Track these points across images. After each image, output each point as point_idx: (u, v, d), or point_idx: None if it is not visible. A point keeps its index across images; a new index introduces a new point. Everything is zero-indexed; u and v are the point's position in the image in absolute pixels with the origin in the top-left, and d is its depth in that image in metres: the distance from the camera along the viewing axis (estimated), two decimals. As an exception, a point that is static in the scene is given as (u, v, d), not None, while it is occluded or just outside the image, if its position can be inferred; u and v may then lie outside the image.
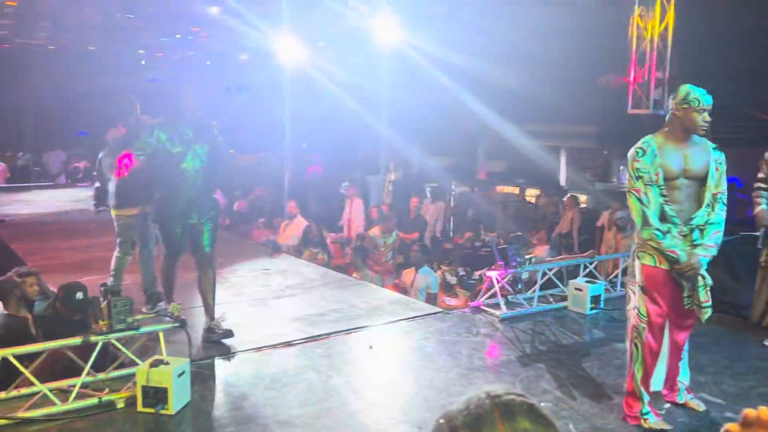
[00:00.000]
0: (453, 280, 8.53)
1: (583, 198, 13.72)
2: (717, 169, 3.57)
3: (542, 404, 3.81)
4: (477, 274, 8.91)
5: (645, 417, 3.60)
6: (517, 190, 15.70)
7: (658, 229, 3.49)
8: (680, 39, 8.40)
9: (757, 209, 5.04)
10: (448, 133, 18.67)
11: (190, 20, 15.41)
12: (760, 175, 5.02)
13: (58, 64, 17.91)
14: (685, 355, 3.85)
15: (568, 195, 12.39)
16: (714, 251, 3.54)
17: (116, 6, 13.41)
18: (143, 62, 20.33)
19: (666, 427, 3.57)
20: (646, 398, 3.64)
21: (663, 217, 3.53)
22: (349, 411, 3.78)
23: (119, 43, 16.74)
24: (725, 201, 3.60)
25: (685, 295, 3.57)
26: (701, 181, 3.57)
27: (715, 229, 3.54)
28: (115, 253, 5.55)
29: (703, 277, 3.49)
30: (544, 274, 5.92)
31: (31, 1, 12.91)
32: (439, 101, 18.51)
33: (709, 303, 3.48)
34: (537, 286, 5.80)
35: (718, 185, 3.57)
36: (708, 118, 3.55)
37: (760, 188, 5.04)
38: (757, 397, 4.01)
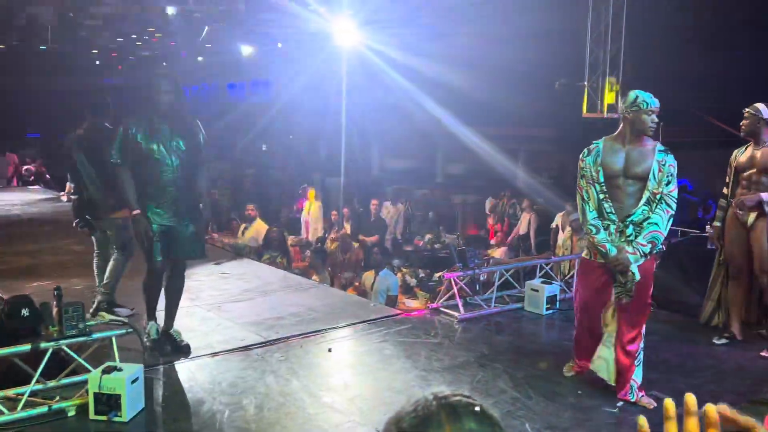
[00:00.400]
0: (413, 281, 8.58)
1: (539, 200, 13.97)
2: (660, 170, 3.71)
3: (498, 404, 3.86)
4: (437, 275, 8.98)
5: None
6: (475, 193, 15.83)
7: (593, 224, 3.79)
8: (633, 44, 8.62)
9: (712, 226, 5.17)
10: (407, 136, 18.77)
11: (145, 21, 15.15)
12: (727, 180, 5.05)
13: (6, 64, 17.43)
14: (639, 354, 3.95)
15: (525, 198, 12.59)
16: (646, 249, 3.71)
17: (69, 5, 13.10)
18: (97, 63, 19.93)
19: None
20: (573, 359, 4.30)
21: (601, 213, 3.80)
22: (306, 415, 3.76)
23: (71, 44, 16.35)
24: (670, 202, 3.73)
25: (616, 286, 3.82)
26: (644, 180, 3.74)
27: (651, 229, 3.71)
28: (114, 257, 5.32)
29: (633, 273, 3.70)
30: (502, 275, 5.99)
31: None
32: (398, 104, 18.59)
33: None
34: (494, 287, 5.87)
35: (659, 185, 3.71)
36: (656, 120, 3.75)
37: (721, 200, 5.16)
38: (708, 395, 4.12)
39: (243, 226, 10.54)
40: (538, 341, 5.16)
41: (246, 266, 7.85)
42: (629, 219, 3.74)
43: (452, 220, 14.88)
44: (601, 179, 3.77)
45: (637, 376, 3.97)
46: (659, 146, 3.81)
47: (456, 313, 5.51)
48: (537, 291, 5.72)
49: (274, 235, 9.05)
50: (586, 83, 8.37)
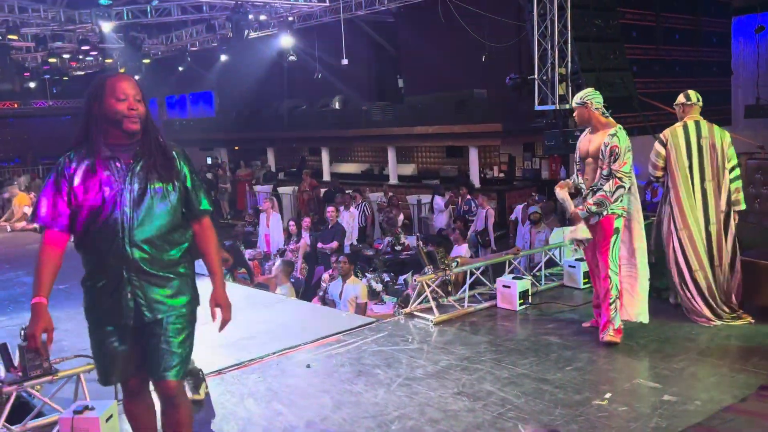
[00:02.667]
0: (379, 287, 8.47)
1: (493, 194, 14.08)
2: (607, 151, 4.59)
3: (489, 408, 3.80)
4: (402, 278, 8.91)
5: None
6: (429, 192, 15.85)
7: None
8: (578, 36, 8.74)
9: None
10: (359, 140, 18.70)
11: (80, 40, 14.65)
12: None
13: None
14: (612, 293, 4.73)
15: (480, 193, 12.65)
16: (593, 208, 4.64)
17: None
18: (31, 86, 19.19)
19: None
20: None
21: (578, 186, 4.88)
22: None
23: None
24: (619, 176, 4.56)
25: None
26: (597, 159, 4.67)
27: (599, 194, 4.64)
28: None
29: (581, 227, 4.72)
30: (472, 273, 5.95)
31: None
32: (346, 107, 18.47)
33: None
34: (466, 287, 5.82)
35: (608, 163, 4.59)
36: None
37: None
38: (690, 377, 4.16)
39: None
40: (516, 338, 5.13)
41: (207, 284, 7.61)
42: (591, 188, 4.74)
43: (409, 220, 14.85)
44: (578, 159, 4.93)
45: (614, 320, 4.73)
46: (611, 131, 4.62)
47: (430, 317, 5.44)
48: (509, 287, 5.70)
49: (229, 249, 8.79)
50: (536, 77, 8.43)
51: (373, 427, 3.66)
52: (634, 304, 4.87)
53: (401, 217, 13.27)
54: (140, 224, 2.68)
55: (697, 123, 5.13)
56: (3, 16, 14.06)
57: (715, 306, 5.13)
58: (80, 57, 17.48)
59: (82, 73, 20.46)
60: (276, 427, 3.71)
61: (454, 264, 5.66)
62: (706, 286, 5.12)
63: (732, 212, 5.16)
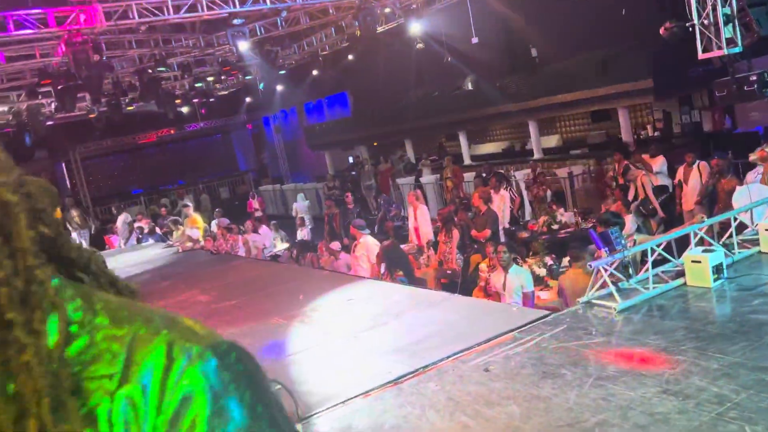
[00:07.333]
0: (542, 271, 8.03)
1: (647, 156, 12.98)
2: None
3: (703, 407, 3.32)
4: (566, 260, 8.37)
5: None
6: (580, 163, 15.00)
7: None
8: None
9: None
10: (497, 118, 18.14)
11: (220, 61, 15.37)
12: None
13: (101, 129, 18.19)
14: None
15: (633, 157, 11.67)
16: None
17: (146, 63, 13.44)
18: (183, 110, 20.43)
19: None
20: None
21: None
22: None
23: (155, 98, 16.83)
24: None
25: None
26: None
27: None
28: None
29: None
30: (653, 251, 5.37)
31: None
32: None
33: None
34: (648, 266, 5.25)
35: None
36: None
37: None
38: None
39: (355, 244, 10.23)
40: (717, 320, 4.53)
41: (366, 288, 7.59)
42: None
43: (560, 196, 14.12)
44: None
45: None
46: None
47: (612, 304, 4.95)
48: (699, 262, 5.07)
49: (391, 248, 8.70)
50: (696, 21, 7.52)
51: (572, 436, 3.32)
52: None
53: (549, 192, 12.64)
54: None
55: None
56: (150, 50, 15.08)
57: None
58: (222, 78, 18.39)
59: (226, 92, 21.57)
60: (468, 444, 3.47)
61: (631, 243, 5.12)
62: None
63: None
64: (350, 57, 17.99)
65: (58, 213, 2.48)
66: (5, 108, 15.90)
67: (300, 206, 17.78)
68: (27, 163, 20.95)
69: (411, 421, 3.83)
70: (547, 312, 5.27)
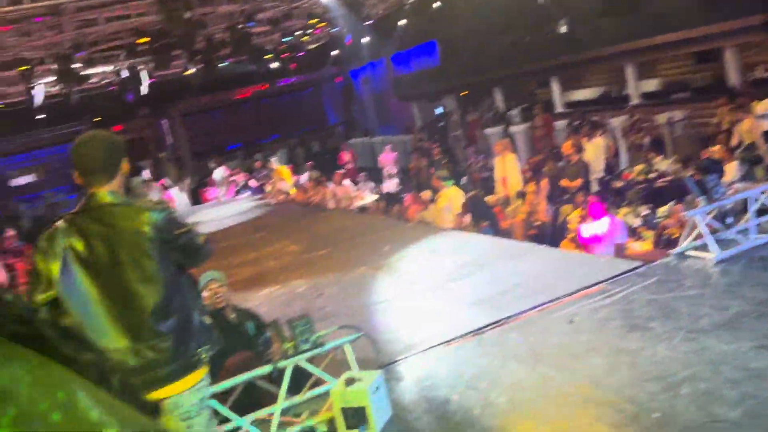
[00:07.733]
0: (636, 222, 7.72)
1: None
2: None
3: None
4: (662, 210, 8.00)
5: None
6: (682, 108, 14.15)
7: None
8: None
9: None
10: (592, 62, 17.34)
11: (308, 15, 15.42)
12: None
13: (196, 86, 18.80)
14: None
15: (739, 100, 10.84)
16: None
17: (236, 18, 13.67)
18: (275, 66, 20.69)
19: None
20: None
21: None
22: (569, 411, 3.27)
23: (247, 54, 17.14)
24: None
25: None
26: None
27: None
28: None
29: None
30: (756, 200, 5.02)
31: None
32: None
33: None
34: (751, 214, 4.92)
35: None
36: None
37: None
38: None
39: (438, 194, 10.10)
40: (826, 273, 4.22)
41: (452, 238, 7.57)
42: None
43: (658, 143, 13.40)
44: None
45: None
46: None
47: (709, 255, 4.69)
48: (808, 211, 4.71)
49: (476, 197, 8.57)
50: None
51: (657, 391, 3.20)
52: None
53: (647, 140, 12.01)
54: None
55: None
56: (240, 6, 15.30)
57: None
58: (310, 31, 18.46)
59: (314, 46, 21.67)
60: (545, 397, 3.43)
61: (733, 191, 4.81)
62: None
63: None
64: (437, 4, 17.55)
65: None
66: (108, 68, 16.65)
67: (387, 158, 17.81)
68: (130, 120, 22.05)
69: (491, 372, 3.83)
70: (638, 263, 5.07)
